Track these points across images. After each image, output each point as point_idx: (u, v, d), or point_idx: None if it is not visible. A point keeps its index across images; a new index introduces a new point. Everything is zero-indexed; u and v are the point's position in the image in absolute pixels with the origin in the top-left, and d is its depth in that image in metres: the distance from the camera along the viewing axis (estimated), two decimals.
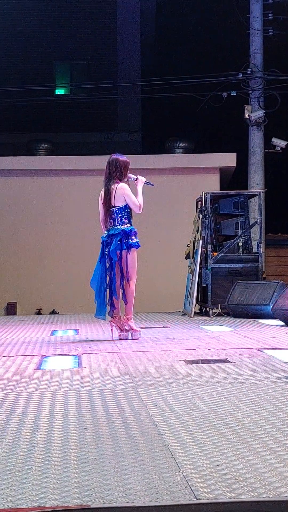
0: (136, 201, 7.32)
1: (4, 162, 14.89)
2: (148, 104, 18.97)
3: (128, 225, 7.33)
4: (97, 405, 3.83)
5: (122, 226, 7.30)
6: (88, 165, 14.59)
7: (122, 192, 7.29)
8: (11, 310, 14.41)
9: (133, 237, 7.31)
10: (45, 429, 3.32)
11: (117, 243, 7.25)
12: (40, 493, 2.40)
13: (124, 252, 7.28)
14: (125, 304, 7.44)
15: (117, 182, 7.33)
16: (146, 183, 7.61)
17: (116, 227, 7.32)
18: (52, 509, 2.26)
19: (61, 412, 3.66)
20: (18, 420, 3.52)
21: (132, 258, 7.32)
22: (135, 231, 7.36)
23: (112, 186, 7.32)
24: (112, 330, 7.36)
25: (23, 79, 18.26)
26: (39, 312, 14.32)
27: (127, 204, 7.32)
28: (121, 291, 7.38)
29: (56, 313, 13.81)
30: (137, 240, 7.37)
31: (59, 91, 20.17)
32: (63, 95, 20.00)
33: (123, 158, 7.46)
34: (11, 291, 14.56)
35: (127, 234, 7.28)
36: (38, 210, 14.81)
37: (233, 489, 2.40)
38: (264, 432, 3.15)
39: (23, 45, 19.40)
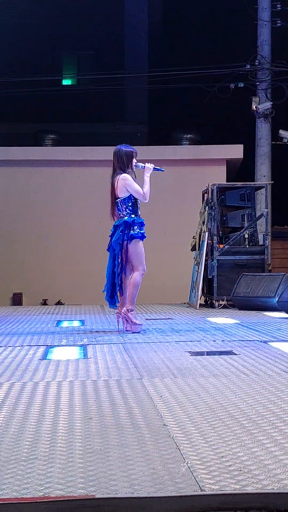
0: (140, 190, 7.20)
1: (11, 152, 14.89)
2: (155, 95, 18.90)
3: (132, 215, 7.22)
4: (102, 395, 3.83)
5: (126, 217, 7.21)
6: (94, 156, 14.58)
7: (123, 182, 7.20)
8: (17, 300, 14.45)
9: (135, 228, 7.17)
10: (50, 419, 3.32)
11: (119, 234, 7.18)
12: (45, 483, 2.41)
13: (125, 243, 7.17)
14: (123, 295, 7.25)
15: (120, 173, 7.27)
16: (155, 169, 7.50)
17: (120, 218, 7.26)
18: (57, 499, 2.26)
19: (66, 402, 3.67)
20: (23, 410, 3.53)
21: (134, 248, 7.17)
22: (139, 222, 7.21)
23: (115, 178, 7.27)
24: (118, 321, 7.34)
25: (30, 70, 18.20)
26: (44, 303, 14.34)
27: (131, 194, 7.23)
28: (127, 281, 7.22)
29: (62, 304, 13.83)
30: (140, 231, 7.20)
31: (66, 82, 20.13)
32: (70, 86, 19.96)
33: (127, 148, 7.37)
34: (17, 282, 14.58)
35: (129, 224, 7.17)
36: (44, 200, 14.81)
37: (238, 480, 2.40)
38: (269, 424, 3.16)
39: (30, 35, 19.34)
